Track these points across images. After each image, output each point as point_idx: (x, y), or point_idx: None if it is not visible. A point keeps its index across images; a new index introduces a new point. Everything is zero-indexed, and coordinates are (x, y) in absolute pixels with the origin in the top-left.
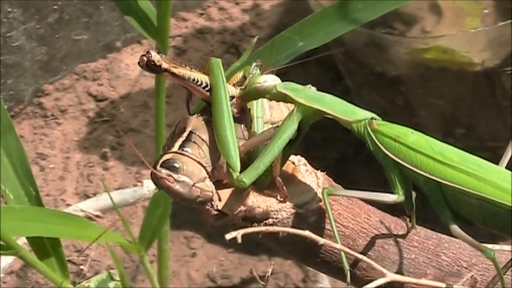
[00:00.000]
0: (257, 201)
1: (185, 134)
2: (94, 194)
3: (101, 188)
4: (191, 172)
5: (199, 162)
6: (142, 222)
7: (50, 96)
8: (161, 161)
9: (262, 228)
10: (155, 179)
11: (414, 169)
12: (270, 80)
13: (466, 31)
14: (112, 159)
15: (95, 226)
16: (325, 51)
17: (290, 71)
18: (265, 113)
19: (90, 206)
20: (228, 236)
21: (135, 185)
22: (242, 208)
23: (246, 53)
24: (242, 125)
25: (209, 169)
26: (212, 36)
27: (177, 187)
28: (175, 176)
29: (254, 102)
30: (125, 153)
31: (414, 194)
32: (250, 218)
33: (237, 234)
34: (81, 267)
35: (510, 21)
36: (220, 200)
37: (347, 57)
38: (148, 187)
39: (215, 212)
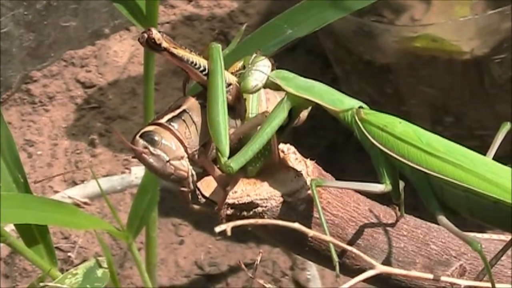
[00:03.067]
0: (246, 190)
1: (178, 111)
2: (82, 181)
3: (89, 175)
4: (169, 148)
5: (181, 141)
6: (130, 209)
7: (38, 83)
8: (142, 131)
9: (251, 221)
10: (132, 148)
11: (401, 159)
12: (259, 80)
13: (455, 19)
14: (100, 146)
15: (83, 213)
16: (314, 39)
17: (279, 59)
18: (261, 104)
19: (78, 193)
20: (218, 229)
21: (123, 172)
22: (231, 196)
23: (234, 41)
24: (236, 114)
25: (190, 151)
26: (201, 23)
27: (151, 160)
28: (151, 148)
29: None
30: (113, 140)
31: (402, 184)
32: (239, 207)
33: (227, 226)
34: (69, 254)
35: (499, 9)
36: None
37: (336, 45)
38: (136, 174)
39: (203, 200)
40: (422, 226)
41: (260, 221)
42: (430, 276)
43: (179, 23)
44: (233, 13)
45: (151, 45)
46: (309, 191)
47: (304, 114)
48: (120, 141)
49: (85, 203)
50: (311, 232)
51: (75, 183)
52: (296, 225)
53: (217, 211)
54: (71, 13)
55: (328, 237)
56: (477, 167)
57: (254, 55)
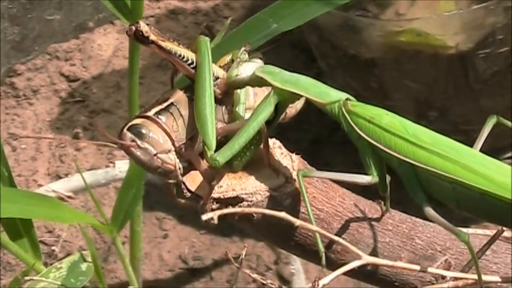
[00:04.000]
0: (231, 184)
1: (165, 104)
2: (66, 175)
3: (73, 169)
4: (156, 141)
5: (168, 134)
6: (114, 203)
7: (22, 76)
8: (129, 124)
9: (238, 209)
10: (119, 141)
11: (388, 150)
12: (245, 71)
13: (440, 14)
14: (84, 140)
15: (67, 207)
16: (299, 33)
17: (264, 53)
18: (249, 99)
19: (62, 186)
20: (205, 217)
21: (107, 166)
22: (216, 190)
23: (219, 35)
24: (223, 108)
25: (177, 145)
26: (185, 17)
27: (138, 153)
28: (138, 142)
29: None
30: (97, 134)
31: (388, 178)
32: (224, 201)
33: (213, 214)
34: (53, 248)
35: (483, 4)
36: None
37: (320, 40)
38: (120, 168)
39: (189, 194)
40: (408, 220)
41: (247, 209)
42: (417, 267)
43: (164, 17)
44: (217, 7)
45: (139, 38)
46: (295, 186)
47: (292, 111)
48: (104, 136)
49: (69, 197)
50: (297, 222)
51: (59, 177)
52: (282, 214)
53: (203, 205)
54: (55, 6)
55: (314, 227)
56: (464, 158)
57: (243, 48)
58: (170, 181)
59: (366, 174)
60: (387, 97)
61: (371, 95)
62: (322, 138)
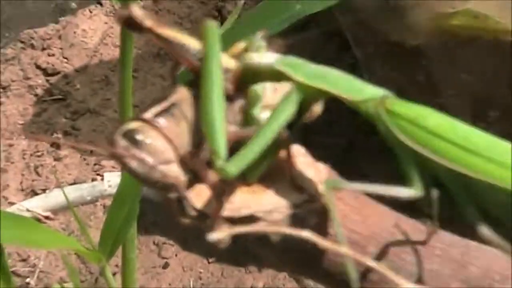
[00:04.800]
0: (245, 200)
1: (165, 104)
2: (44, 190)
3: (52, 183)
4: (155, 149)
5: (169, 140)
6: (103, 224)
7: None
8: (122, 129)
9: (253, 228)
10: (110, 149)
11: (435, 158)
12: (268, 58)
13: None
14: (66, 147)
15: (45, 229)
16: (329, 15)
17: (286, 40)
18: (267, 96)
19: (39, 205)
20: (212, 237)
21: (94, 180)
22: (227, 207)
23: (231, 18)
24: (236, 107)
25: (182, 152)
26: None
27: (133, 164)
28: (134, 150)
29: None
30: (82, 140)
31: (435, 191)
32: (236, 220)
33: (223, 234)
34: (28, 280)
35: None
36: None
37: (356, 23)
38: (110, 181)
39: (194, 212)
40: (460, 244)
41: (263, 227)
42: None
43: None
44: None
45: (131, 24)
46: (322, 202)
47: (316, 108)
48: (90, 142)
49: (47, 217)
50: (325, 243)
51: (34, 193)
52: (306, 234)
53: (210, 226)
54: None
55: (346, 251)
56: None
57: (259, 34)
58: (172, 196)
59: (408, 186)
60: (437, 94)
61: (417, 91)
62: (357, 144)
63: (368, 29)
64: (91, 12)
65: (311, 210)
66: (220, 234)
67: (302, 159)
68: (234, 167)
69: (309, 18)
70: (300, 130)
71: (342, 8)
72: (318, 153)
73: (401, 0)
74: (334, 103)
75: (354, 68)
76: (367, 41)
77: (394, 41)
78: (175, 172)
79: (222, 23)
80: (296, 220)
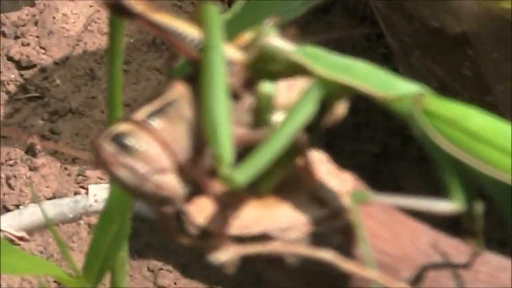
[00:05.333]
0: (256, 215)
1: (160, 102)
2: (17, 206)
3: (26, 197)
4: (148, 156)
5: (165, 145)
6: (88, 246)
7: None
8: (110, 132)
9: (263, 248)
10: (96, 155)
11: (478, 165)
12: (279, 42)
13: None
14: (43, 155)
15: (19, 251)
16: None
17: (306, 26)
18: (281, 93)
19: (11, 223)
20: (216, 258)
21: (76, 193)
22: (234, 224)
23: (238, 1)
24: (242, 105)
25: (180, 159)
26: None
27: (122, 173)
28: (123, 157)
29: None
30: (62, 145)
31: (480, 205)
32: (245, 240)
33: (228, 254)
34: None
35: None
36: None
37: (390, 7)
38: (96, 195)
39: (195, 230)
40: (509, 268)
41: (277, 247)
42: None
43: None
44: None
45: (119, 9)
46: (347, 218)
47: (340, 108)
48: (72, 149)
49: (21, 238)
50: (349, 266)
51: (6, 209)
52: (328, 256)
53: (214, 246)
54: None
55: (375, 275)
56: None
57: (268, 21)
58: (168, 211)
59: (448, 199)
60: (486, 90)
61: (463, 87)
62: (390, 151)
63: (404, 13)
64: None
65: (334, 228)
66: (225, 255)
67: (323, 167)
68: (242, 175)
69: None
70: (322, 134)
71: None
72: (344, 161)
73: None
74: (363, 102)
75: (387, 60)
76: (403, 28)
77: (435, 28)
78: (171, 183)
79: (230, 6)
80: (317, 239)
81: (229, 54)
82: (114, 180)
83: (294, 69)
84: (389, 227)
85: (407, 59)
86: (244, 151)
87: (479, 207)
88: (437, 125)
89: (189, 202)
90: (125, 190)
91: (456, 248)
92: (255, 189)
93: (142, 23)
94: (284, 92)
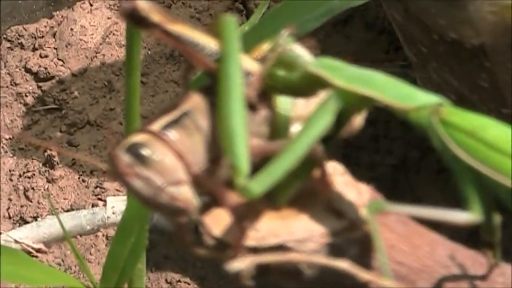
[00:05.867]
0: (273, 227)
1: (176, 113)
2: (35, 218)
3: (44, 209)
4: (164, 167)
5: (181, 156)
6: (105, 258)
7: None
8: (125, 142)
9: (279, 257)
10: (112, 166)
11: (497, 176)
12: (299, 52)
13: None
14: (61, 167)
15: (37, 263)
16: (375, 8)
17: (324, 38)
18: (297, 104)
19: (29, 235)
20: (232, 267)
21: (94, 205)
22: (251, 235)
23: (258, 12)
24: (259, 117)
25: (196, 170)
26: None
27: (137, 184)
28: (138, 168)
29: None
30: (80, 157)
31: (498, 216)
32: (262, 251)
33: (245, 263)
34: None
35: None
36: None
37: (407, 18)
38: (114, 207)
39: (211, 241)
40: None
41: (294, 257)
42: None
43: None
44: None
45: (136, 19)
46: (364, 229)
47: (358, 120)
48: (90, 161)
49: (39, 250)
50: (366, 276)
51: (24, 221)
52: (345, 265)
53: (231, 257)
54: None
55: (392, 284)
56: None
57: (284, 31)
58: (184, 221)
59: (466, 210)
60: (503, 102)
61: (480, 99)
62: (409, 163)
63: (421, 25)
64: (91, 5)
65: (351, 239)
66: (242, 264)
67: (340, 178)
68: (258, 186)
69: (351, 12)
70: (339, 145)
71: (391, 0)
72: (362, 173)
73: None
74: (381, 114)
75: (405, 72)
76: (420, 40)
77: (452, 39)
78: (186, 194)
79: (247, 19)
80: (334, 250)
81: (246, 65)
82: (130, 191)
83: (311, 81)
84: (407, 239)
85: (425, 71)
86: (260, 162)
87: (496, 218)
88: (455, 136)
89: (206, 213)
90: (140, 201)
91: (473, 260)
92: (272, 200)
93: (159, 34)
94: (302, 103)
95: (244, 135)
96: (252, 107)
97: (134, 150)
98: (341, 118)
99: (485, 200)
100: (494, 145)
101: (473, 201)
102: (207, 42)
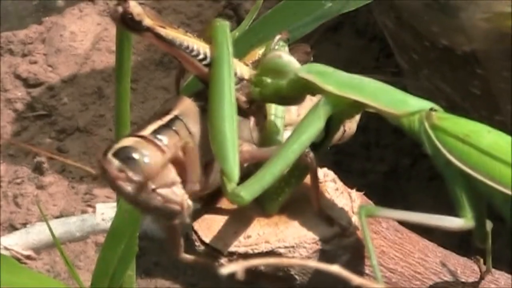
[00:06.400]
0: (264, 233)
1: (167, 118)
2: (24, 225)
3: (34, 216)
4: (155, 171)
5: (172, 159)
6: (95, 265)
7: None
8: (115, 146)
9: (270, 261)
10: (101, 171)
11: (489, 182)
12: (288, 58)
13: None
14: (51, 173)
15: (26, 270)
16: (366, 15)
17: (315, 44)
18: (290, 109)
19: (18, 242)
20: (225, 271)
21: (84, 212)
22: (242, 242)
23: (249, 17)
24: (251, 122)
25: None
26: None
27: (128, 188)
28: (129, 172)
29: None
30: (70, 164)
31: (490, 224)
32: (254, 257)
33: (237, 267)
34: None
35: None
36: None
37: (398, 25)
38: (104, 214)
39: (202, 247)
40: None
41: (285, 260)
42: None
43: None
44: None
45: (128, 23)
46: (355, 236)
47: (351, 125)
48: (94, 177)
49: (28, 256)
50: (358, 279)
51: (13, 228)
52: (335, 268)
53: (222, 263)
54: None
55: (381, 286)
56: None
57: (278, 36)
58: (176, 223)
59: (457, 216)
60: (496, 109)
61: (472, 106)
62: (401, 169)
63: (413, 32)
64: (81, 11)
65: (342, 245)
66: (233, 268)
67: (331, 185)
68: (248, 193)
69: (342, 18)
70: (331, 152)
71: (383, 6)
72: (354, 180)
73: None
74: (372, 121)
75: (397, 79)
76: (412, 46)
77: (444, 46)
78: (178, 196)
79: (238, 24)
80: (325, 256)
81: (238, 70)
82: (120, 195)
83: (301, 87)
84: (398, 246)
85: (416, 78)
86: (251, 166)
87: (488, 225)
88: (447, 141)
89: (197, 220)
90: (132, 205)
91: (465, 266)
92: (263, 207)
93: (151, 38)
94: (294, 108)
95: (235, 141)
96: (244, 113)
97: (124, 154)
98: (332, 124)
99: (477, 206)
100: (486, 151)
101: (464, 206)
102: (199, 46)
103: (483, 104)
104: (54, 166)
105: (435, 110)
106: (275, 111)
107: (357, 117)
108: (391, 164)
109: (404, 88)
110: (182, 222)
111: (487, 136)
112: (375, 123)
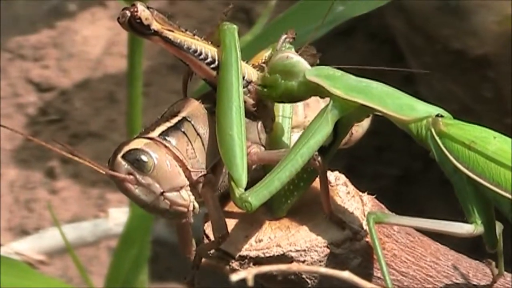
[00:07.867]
0: (275, 237)
1: (175, 119)
2: (36, 230)
3: (46, 221)
4: (164, 174)
5: (181, 162)
6: (107, 270)
7: None
8: (125, 149)
9: (281, 267)
10: (111, 174)
11: (496, 188)
12: (297, 59)
13: None
14: (63, 178)
15: (39, 275)
16: (378, 19)
17: (327, 48)
18: (297, 112)
19: (31, 247)
20: (235, 278)
21: (96, 216)
22: (253, 246)
23: (260, 21)
24: (259, 124)
25: (195, 176)
26: None
27: (137, 191)
28: (138, 175)
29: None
30: (82, 169)
31: (500, 226)
32: (264, 262)
33: (247, 274)
34: None
35: None
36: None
37: (410, 28)
38: (116, 219)
39: (214, 252)
40: None
41: (294, 266)
42: None
43: None
44: None
45: (135, 27)
46: (367, 239)
47: (358, 129)
48: (91, 167)
49: (40, 261)
50: (368, 285)
51: (26, 233)
52: (346, 274)
53: (233, 267)
54: None
55: None
56: None
57: (284, 36)
58: (183, 221)
59: (466, 222)
60: (507, 112)
61: (484, 109)
62: (413, 174)
63: (425, 35)
64: (93, 15)
65: (353, 249)
66: (245, 274)
67: (343, 188)
68: (256, 198)
69: (354, 22)
70: (343, 156)
71: (394, 9)
72: (366, 184)
73: (463, 0)
74: (384, 125)
75: (408, 83)
76: (424, 49)
77: (455, 49)
78: (186, 199)
79: (250, 28)
80: (336, 260)
81: (246, 73)
82: (128, 196)
83: (309, 89)
84: (410, 249)
85: (428, 81)
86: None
87: (497, 228)
88: (454, 148)
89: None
90: (139, 206)
91: (477, 270)
92: (273, 211)
93: (160, 42)
94: (301, 110)
95: (243, 146)
96: (251, 116)
97: (132, 156)
98: (340, 128)
99: (486, 211)
100: (492, 157)
101: (473, 213)
102: (208, 50)
103: (493, 107)
104: (66, 171)
105: (442, 116)
106: (282, 111)
107: (365, 121)
108: (403, 168)
109: (416, 92)
110: (188, 222)
111: (493, 142)
112: (387, 127)
